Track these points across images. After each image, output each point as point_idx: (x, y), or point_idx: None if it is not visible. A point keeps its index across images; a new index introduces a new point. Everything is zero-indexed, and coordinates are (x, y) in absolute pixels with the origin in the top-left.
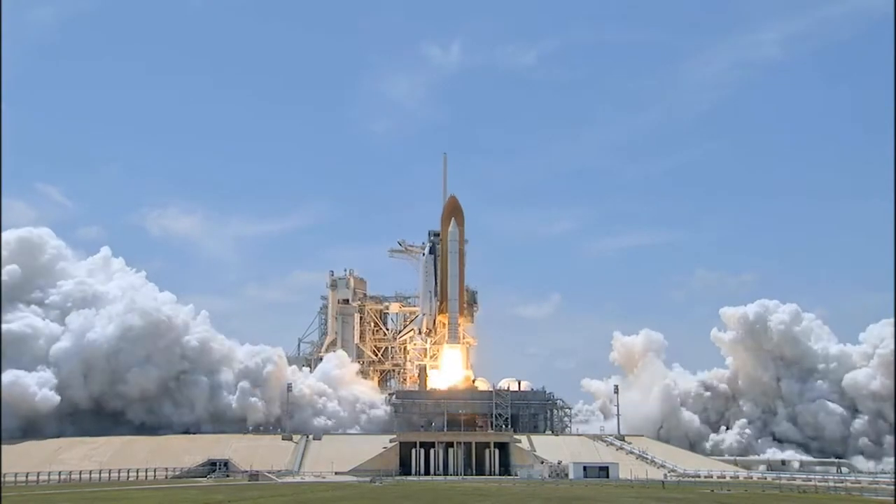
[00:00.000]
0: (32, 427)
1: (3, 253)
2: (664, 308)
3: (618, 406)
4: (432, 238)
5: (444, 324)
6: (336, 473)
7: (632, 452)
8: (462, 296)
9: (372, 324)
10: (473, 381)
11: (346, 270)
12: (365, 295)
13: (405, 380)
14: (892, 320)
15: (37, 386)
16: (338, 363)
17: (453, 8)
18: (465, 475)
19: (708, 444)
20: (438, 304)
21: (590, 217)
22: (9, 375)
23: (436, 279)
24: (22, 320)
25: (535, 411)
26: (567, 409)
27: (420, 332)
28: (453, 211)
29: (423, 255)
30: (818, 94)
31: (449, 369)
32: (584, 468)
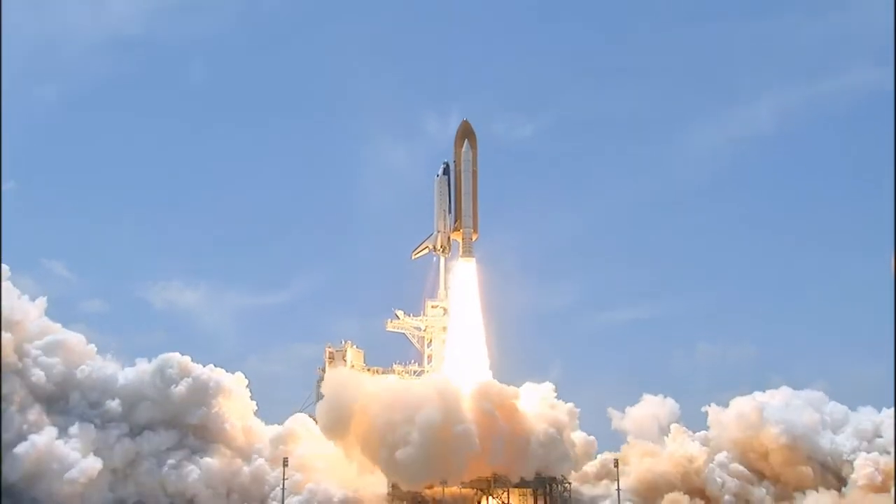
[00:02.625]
0: None
1: None
2: (667, 381)
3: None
4: (445, 163)
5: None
6: None
7: None
8: (476, 212)
9: None
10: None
11: (343, 342)
12: (364, 367)
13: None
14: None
15: None
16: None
17: (451, 80)
18: None
19: None
20: (453, 221)
21: (588, 290)
22: None
23: (450, 198)
24: None
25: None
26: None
27: (434, 249)
28: (466, 133)
29: (438, 176)
30: (813, 165)
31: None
32: None
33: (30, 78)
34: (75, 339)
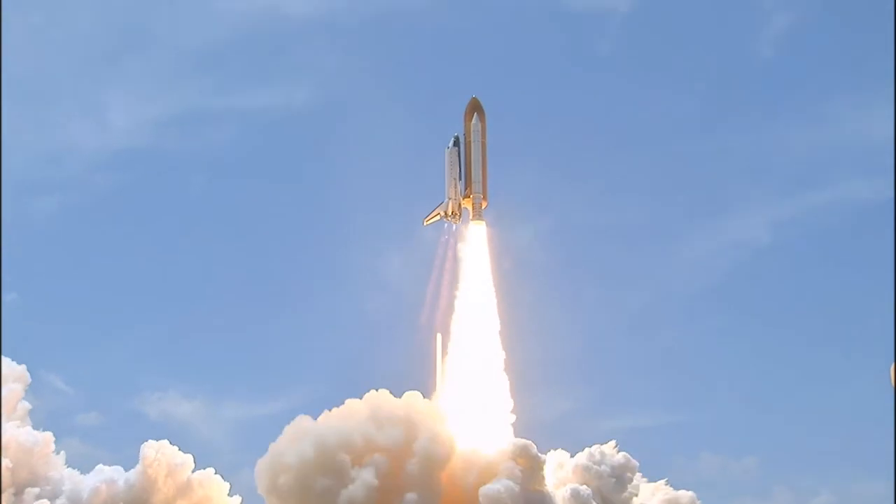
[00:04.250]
0: None
1: None
2: None
3: None
4: (455, 136)
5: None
6: None
7: None
8: (485, 178)
9: None
10: None
11: None
12: None
13: None
14: None
15: None
16: None
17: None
18: None
19: None
20: (464, 188)
21: (586, 400)
22: None
23: (460, 167)
24: None
25: None
26: None
27: (446, 215)
28: (475, 108)
29: (448, 147)
30: (808, 276)
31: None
32: None
33: (31, 190)
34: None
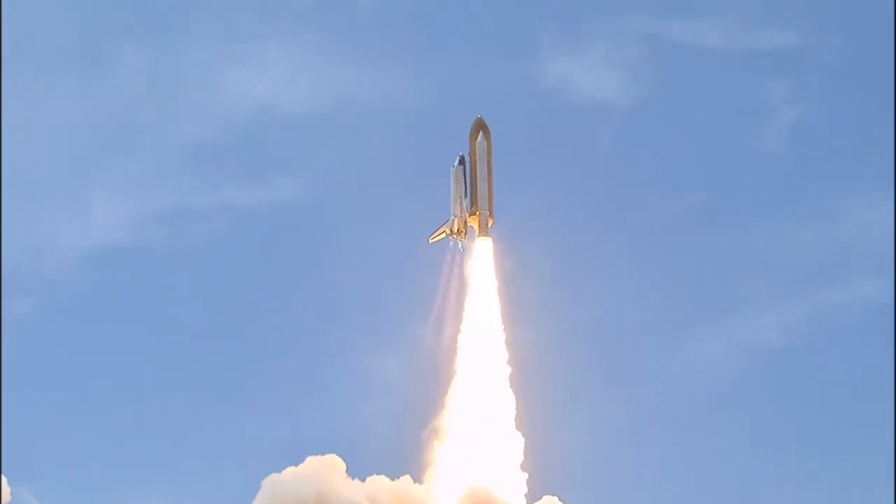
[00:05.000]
0: None
1: None
2: None
3: None
4: (461, 155)
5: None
6: None
7: None
8: (491, 196)
9: None
10: None
11: None
12: None
13: None
14: None
15: None
16: None
17: None
18: None
19: None
20: (470, 206)
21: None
22: None
23: (465, 184)
24: None
25: None
26: None
27: (451, 233)
28: (480, 127)
29: (454, 166)
30: (822, 379)
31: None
32: None
33: (6, 291)
34: None
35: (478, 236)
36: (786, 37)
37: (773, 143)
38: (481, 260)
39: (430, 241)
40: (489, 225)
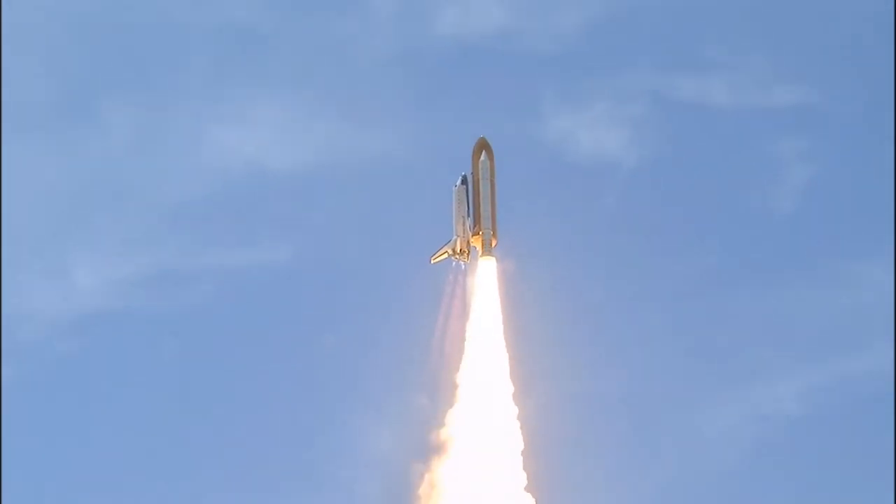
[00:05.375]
0: None
1: None
2: None
3: None
4: (463, 175)
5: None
6: None
7: None
8: (494, 215)
9: None
10: None
11: None
12: None
13: None
14: None
15: None
16: None
17: None
18: None
19: None
20: (473, 225)
21: None
22: None
23: (468, 204)
24: None
25: None
26: None
27: (453, 253)
28: (483, 147)
29: (456, 186)
30: (843, 449)
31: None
32: None
33: None
34: None
35: (481, 256)
36: (798, 93)
37: (786, 203)
38: (485, 280)
39: (432, 262)
40: (493, 245)
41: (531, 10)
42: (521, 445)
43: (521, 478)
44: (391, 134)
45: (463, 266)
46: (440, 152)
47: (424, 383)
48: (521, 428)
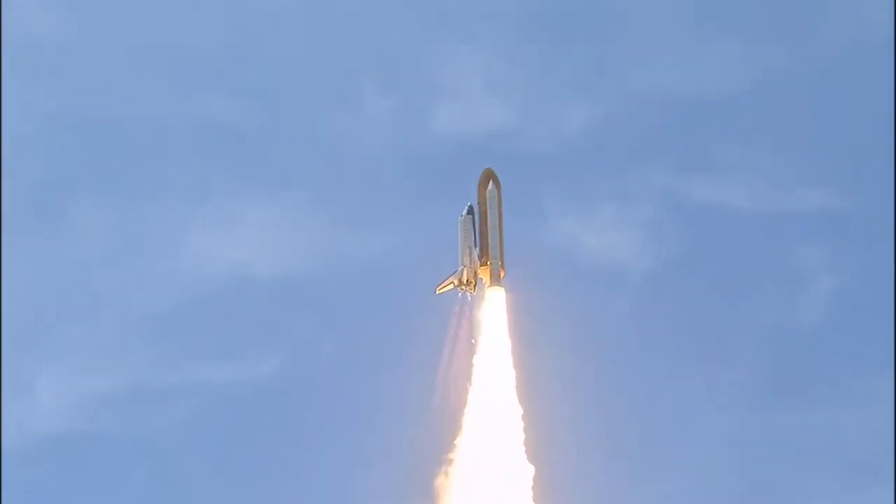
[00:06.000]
0: None
1: None
2: None
3: None
4: (469, 205)
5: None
6: None
7: None
8: (502, 246)
9: None
10: None
11: None
12: None
13: None
14: None
15: None
16: None
17: None
18: None
19: None
20: (480, 255)
21: None
22: None
23: (474, 234)
24: None
25: None
26: None
27: (459, 284)
28: (490, 176)
29: (462, 216)
30: None
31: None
32: None
33: None
34: None
35: (489, 286)
36: (820, 196)
37: (811, 314)
38: (494, 311)
39: (437, 292)
40: (501, 276)
41: (532, 107)
42: (530, 478)
43: None
44: (386, 237)
45: (469, 297)
46: (438, 257)
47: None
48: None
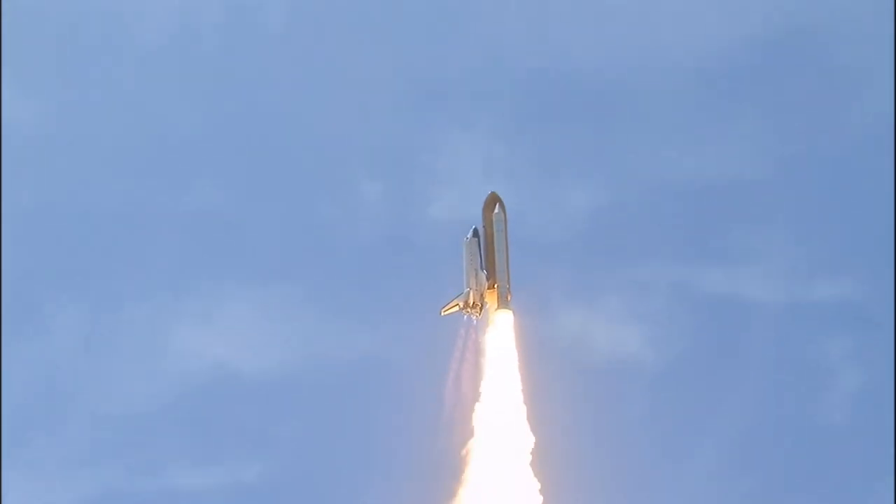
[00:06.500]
0: None
1: None
2: None
3: None
4: (474, 228)
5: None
6: None
7: None
8: (508, 269)
9: None
10: None
11: None
12: None
13: None
14: None
15: None
16: None
17: None
18: None
19: None
20: (487, 278)
21: None
22: None
23: (480, 257)
24: None
25: None
26: None
27: (465, 306)
28: (496, 200)
29: (467, 238)
30: None
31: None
32: None
33: None
34: None
35: (497, 309)
36: (840, 287)
37: (834, 413)
38: (502, 334)
39: (442, 314)
40: (508, 299)
41: (534, 193)
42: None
43: None
44: (378, 332)
45: (474, 321)
46: (435, 353)
47: None
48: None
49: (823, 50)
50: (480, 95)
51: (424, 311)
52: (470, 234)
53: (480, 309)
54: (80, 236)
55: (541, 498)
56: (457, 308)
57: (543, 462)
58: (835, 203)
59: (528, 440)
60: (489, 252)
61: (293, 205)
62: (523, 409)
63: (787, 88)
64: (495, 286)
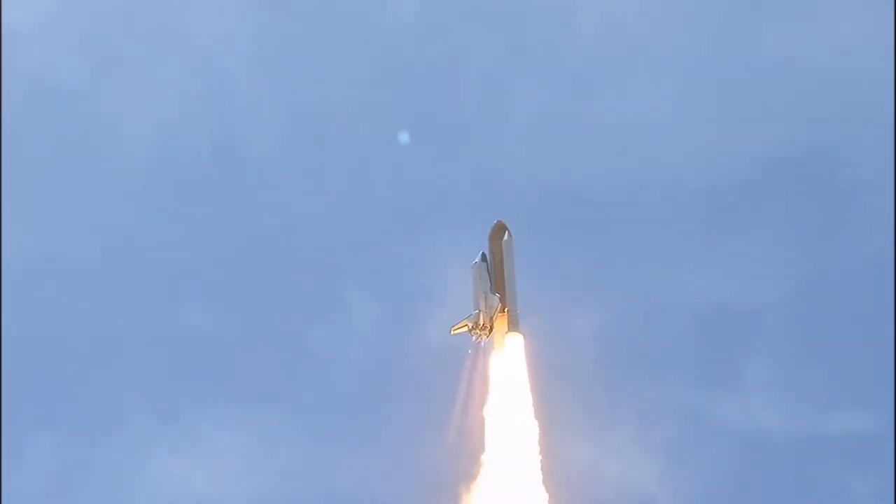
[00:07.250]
0: None
1: None
2: None
3: None
4: (482, 253)
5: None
6: None
7: None
8: (514, 294)
9: None
10: None
11: None
12: None
13: None
14: None
15: None
16: None
17: None
18: None
19: None
20: (499, 301)
21: None
22: None
23: (490, 280)
24: None
25: None
26: None
27: (474, 327)
28: (502, 228)
29: (476, 262)
30: None
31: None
32: None
33: None
34: None
35: (508, 332)
36: (862, 419)
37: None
38: (513, 359)
39: (452, 333)
40: (518, 323)
41: (539, 315)
42: None
43: None
44: (370, 463)
45: (482, 343)
46: (430, 484)
47: None
48: None
49: (831, 170)
50: (480, 216)
51: (417, 438)
52: (478, 259)
53: (489, 330)
54: (56, 363)
55: None
56: (466, 328)
57: None
58: (858, 328)
59: None
60: (498, 277)
61: (284, 329)
62: None
63: (798, 209)
64: (506, 311)
